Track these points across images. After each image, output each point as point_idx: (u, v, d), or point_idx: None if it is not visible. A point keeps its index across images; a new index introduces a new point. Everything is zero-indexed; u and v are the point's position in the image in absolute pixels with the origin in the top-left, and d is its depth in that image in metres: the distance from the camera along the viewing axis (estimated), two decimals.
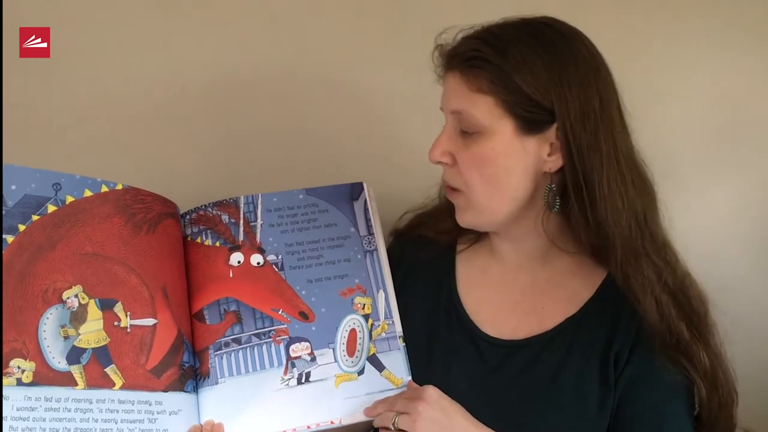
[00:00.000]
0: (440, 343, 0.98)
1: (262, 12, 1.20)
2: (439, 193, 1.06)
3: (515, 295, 0.98)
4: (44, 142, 1.18)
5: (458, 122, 0.89)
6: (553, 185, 0.89)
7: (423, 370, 0.95)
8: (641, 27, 1.17)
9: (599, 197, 0.85)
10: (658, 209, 0.93)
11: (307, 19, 1.21)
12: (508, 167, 0.87)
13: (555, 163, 0.87)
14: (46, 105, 1.17)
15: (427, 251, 1.05)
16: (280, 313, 0.94)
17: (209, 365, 0.90)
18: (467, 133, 0.88)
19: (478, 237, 1.03)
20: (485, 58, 0.85)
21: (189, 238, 0.96)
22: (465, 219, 0.94)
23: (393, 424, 0.84)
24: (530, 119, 0.85)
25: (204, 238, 0.96)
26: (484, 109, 0.85)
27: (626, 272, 0.88)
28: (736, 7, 1.15)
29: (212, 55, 1.21)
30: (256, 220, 0.98)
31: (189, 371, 0.89)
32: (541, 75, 0.84)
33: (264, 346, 0.92)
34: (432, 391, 0.85)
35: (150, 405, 0.83)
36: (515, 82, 0.83)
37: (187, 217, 0.98)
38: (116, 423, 0.81)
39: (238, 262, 0.95)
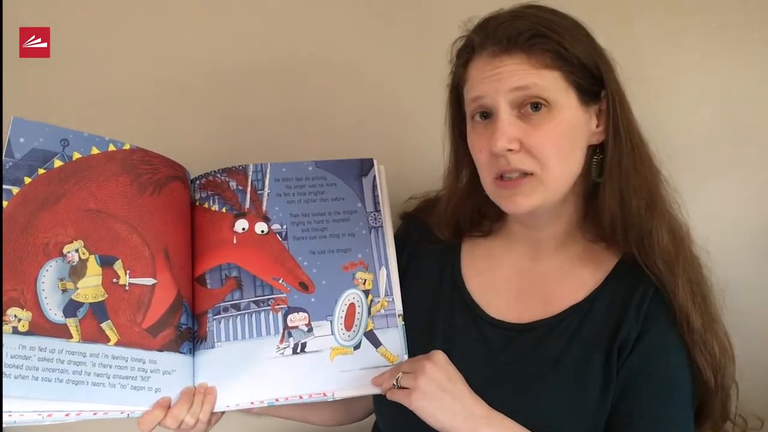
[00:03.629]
0: (441, 324, 0.98)
1: None
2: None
3: (523, 282, 0.97)
4: None
5: (519, 103, 0.86)
6: (601, 156, 0.90)
7: (422, 351, 0.94)
8: (642, 26, 1.15)
9: (626, 170, 0.88)
10: (665, 189, 0.94)
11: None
12: (576, 140, 0.88)
13: (600, 135, 0.90)
14: (46, 104, 1.18)
15: (432, 235, 1.04)
16: (280, 282, 0.94)
17: (207, 329, 0.91)
18: (530, 113, 0.85)
19: (491, 227, 1.02)
20: (545, 34, 0.85)
21: (197, 203, 0.97)
22: (530, 202, 0.87)
23: (396, 381, 0.85)
24: (587, 89, 0.87)
25: (211, 204, 0.97)
26: (552, 84, 0.85)
27: (651, 246, 0.88)
28: (737, 6, 1.13)
29: (218, 44, 1.20)
30: (263, 189, 0.98)
31: (186, 333, 0.90)
32: (587, 45, 0.87)
33: (262, 314, 0.92)
34: (440, 355, 0.85)
35: (144, 363, 0.85)
36: (574, 53, 0.85)
37: (197, 182, 0.98)
38: (108, 378, 0.82)
39: (243, 228, 0.96)
